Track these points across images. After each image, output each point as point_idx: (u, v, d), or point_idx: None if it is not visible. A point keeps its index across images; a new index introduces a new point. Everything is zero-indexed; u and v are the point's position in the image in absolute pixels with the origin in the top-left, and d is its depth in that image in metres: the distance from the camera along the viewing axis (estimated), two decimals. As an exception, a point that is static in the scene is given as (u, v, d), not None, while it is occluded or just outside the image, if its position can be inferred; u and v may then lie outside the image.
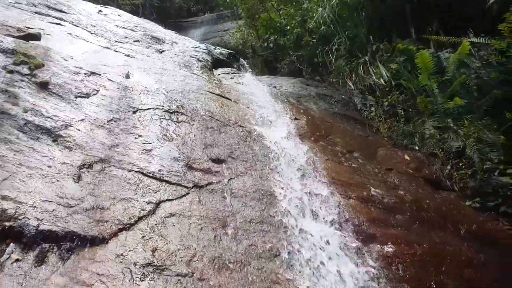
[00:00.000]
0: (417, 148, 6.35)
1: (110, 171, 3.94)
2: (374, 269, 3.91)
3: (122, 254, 3.19)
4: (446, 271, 4.11)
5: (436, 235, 4.51)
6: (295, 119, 6.47)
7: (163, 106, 5.25)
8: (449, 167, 5.81)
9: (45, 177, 3.55)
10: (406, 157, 6.14)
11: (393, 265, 4.02)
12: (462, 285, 4.02)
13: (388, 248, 4.19)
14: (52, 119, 4.19)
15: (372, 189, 5.07)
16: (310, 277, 3.64)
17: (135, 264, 3.13)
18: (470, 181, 5.56)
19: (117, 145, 4.28)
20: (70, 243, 3.10)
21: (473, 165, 5.64)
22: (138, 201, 3.73)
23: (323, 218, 4.38)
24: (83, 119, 4.42)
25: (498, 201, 5.29)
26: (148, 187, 3.93)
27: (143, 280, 3.02)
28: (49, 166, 3.67)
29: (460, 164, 5.73)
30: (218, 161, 4.73)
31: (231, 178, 4.52)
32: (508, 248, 4.74)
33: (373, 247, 4.17)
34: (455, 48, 6.89)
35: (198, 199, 4.05)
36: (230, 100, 6.37)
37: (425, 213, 4.83)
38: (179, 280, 3.14)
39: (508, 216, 5.17)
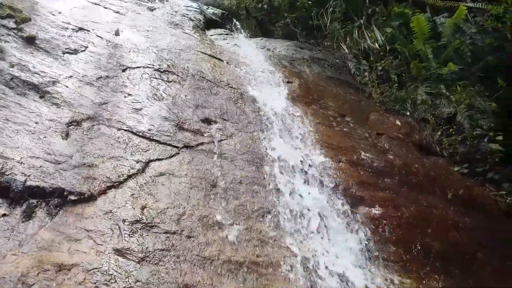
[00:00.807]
0: (408, 113, 6.34)
1: (99, 129, 3.89)
2: (361, 231, 3.96)
3: (110, 211, 3.19)
4: (432, 234, 4.18)
5: (423, 199, 4.56)
6: (288, 82, 6.39)
7: (153, 65, 5.15)
8: (439, 133, 5.82)
9: (32, 133, 3.49)
10: (397, 122, 6.13)
11: (380, 227, 4.08)
12: (447, 248, 4.11)
13: (376, 211, 4.24)
14: (39, 74, 4.10)
15: (362, 153, 5.08)
16: (298, 237, 3.68)
17: (123, 221, 3.13)
18: (460, 147, 5.59)
19: (106, 103, 4.21)
20: (58, 199, 3.09)
21: (463, 131, 5.66)
22: (127, 159, 3.71)
23: (313, 181, 4.40)
24: (71, 76, 4.32)
25: (486, 167, 5.34)
26: (137, 146, 3.90)
27: (131, 237, 3.03)
28: (36, 123, 3.61)
29: (451, 130, 5.75)
30: (209, 122, 4.69)
31: (222, 140, 4.50)
32: (494, 213, 4.83)
33: (361, 209, 4.21)
34: (452, 13, 6.78)
35: (188, 159, 4.03)
36: (223, 61, 6.27)
37: (413, 177, 4.87)
38: (168, 237, 3.16)
39: (495, 182, 5.24)
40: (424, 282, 3.70)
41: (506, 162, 5.42)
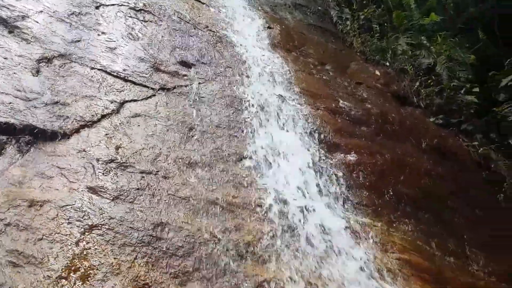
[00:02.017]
0: (388, 64, 6.32)
1: (72, 67, 3.75)
2: (336, 175, 4.02)
3: (84, 150, 3.13)
4: (405, 181, 4.28)
5: (398, 147, 4.63)
6: (269, 27, 6.25)
7: (128, 3, 4.92)
8: (417, 83, 5.85)
9: (1, 69, 3.34)
10: (377, 72, 6.11)
11: (354, 172, 4.15)
12: (419, 195, 4.22)
13: (351, 157, 4.29)
14: (8, 8, 3.88)
15: (341, 101, 5.08)
16: (273, 180, 3.70)
17: (97, 159, 3.08)
18: (436, 98, 5.64)
19: (78, 40, 4.04)
20: (29, 136, 3.00)
21: (441, 82, 5.70)
22: (101, 99, 3.60)
23: (290, 126, 4.39)
24: (41, 11, 4.11)
25: (461, 119, 5.44)
26: (112, 86, 3.78)
27: (105, 175, 3.00)
28: (5, 58, 3.45)
29: (429, 81, 5.78)
30: (186, 64, 4.57)
31: (200, 83, 4.41)
32: (466, 163, 4.95)
33: (336, 156, 4.25)
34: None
35: (164, 102, 3.95)
36: (202, 3, 6.04)
37: (389, 126, 4.91)
38: (143, 177, 3.13)
39: (469, 134, 5.36)
40: (394, 225, 3.81)
41: (480, 114, 5.52)
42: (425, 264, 3.51)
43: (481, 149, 5.06)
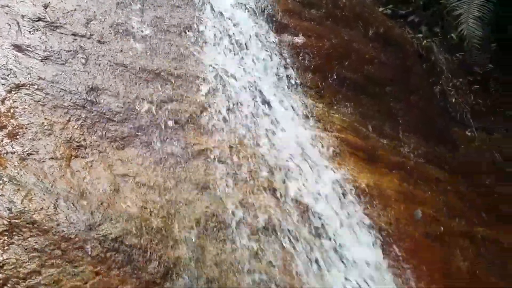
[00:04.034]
0: None
1: None
2: (282, 56, 3.94)
3: (7, 5, 2.80)
4: (349, 65, 4.28)
5: (345, 33, 4.57)
6: None
7: None
8: (370, -29, 5.66)
9: None
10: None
11: (301, 55, 4.08)
12: (361, 80, 4.27)
13: (299, 39, 4.19)
14: None
15: (292, -18, 4.84)
16: (220, 56, 3.57)
17: (22, 16, 2.78)
18: (386, -12, 5.52)
19: None
20: None
21: (392, -28, 5.55)
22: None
23: (239, 5, 4.16)
24: None
25: (409, 10, 5.41)
26: None
27: (32, 34, 2.73)
28: None
29: (381, -30, 5.60)
30: None
31: None
32: (408, 54, 5.02)
33: (284, 37, 4.14)
34: None
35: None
36: None
37: (339, 11, 4.79)
38: (75, 39, 2.89)
39: (415, 26, 5.37)
40: (335, 107, 3.88)
41: (428, 6, 5.52)
42: (361, 143, 3.66)
43: (425, 41, 5.12)
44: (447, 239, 3.28)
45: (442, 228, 3.33)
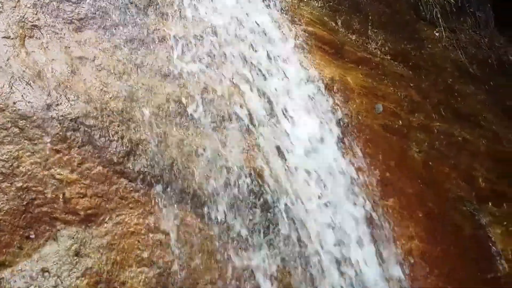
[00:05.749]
0: None
1: None
2: None
3: None
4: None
5: None
6: None
7: None
8: None
9: None
10: None
11: None
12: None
13: None
14: None
15: None
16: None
17: None
18: None
19: None
20: None
21: None
22: None
23: None
24: None
25: None
26: None
27: None
28: None
29: None
30: None
31: None
32: None
33: None
34: None
35: None
36: None
37: None
38: None
39: None
40: (304, 0, 3.76)
41: None
42: (329, 37, 3.61)
43: None
44: (404, 132, 3.42)
45: (400, 122, 3.45)
